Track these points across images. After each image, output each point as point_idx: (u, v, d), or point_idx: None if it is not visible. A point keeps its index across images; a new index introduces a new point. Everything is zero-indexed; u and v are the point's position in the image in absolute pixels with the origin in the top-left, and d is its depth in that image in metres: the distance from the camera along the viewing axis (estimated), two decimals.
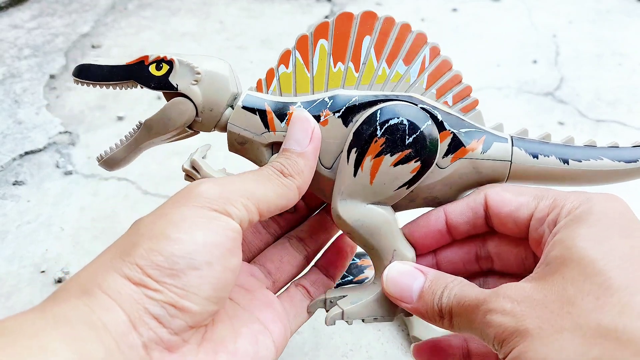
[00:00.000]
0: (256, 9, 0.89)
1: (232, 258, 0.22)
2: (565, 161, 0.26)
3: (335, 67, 0.26)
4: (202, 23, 0.85)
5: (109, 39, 0.81)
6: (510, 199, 0.25)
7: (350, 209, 0.25)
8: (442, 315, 0.24)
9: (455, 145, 0.25)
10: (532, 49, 0.78)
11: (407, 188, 0.25)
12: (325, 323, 0.26)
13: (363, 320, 0.26)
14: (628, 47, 0.78)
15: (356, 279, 0.41)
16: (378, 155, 0.25)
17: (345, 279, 0.41)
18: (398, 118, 0.25)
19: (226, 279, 0.21)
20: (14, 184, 0.55)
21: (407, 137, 0.25)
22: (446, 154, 0.26)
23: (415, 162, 0.25)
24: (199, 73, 0.26)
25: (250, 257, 0.29)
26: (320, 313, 0.29)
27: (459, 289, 0.24)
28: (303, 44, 0.26)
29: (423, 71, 0.26)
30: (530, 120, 0.64)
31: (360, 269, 0.41)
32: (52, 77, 0.72)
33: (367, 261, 0.42)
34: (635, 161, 0.27)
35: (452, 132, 0.25)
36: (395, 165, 0.25)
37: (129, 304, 0.19)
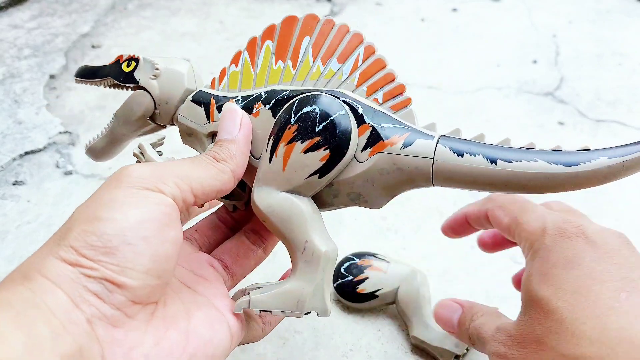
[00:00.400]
0: (256, 9, 0.89)
1: (169, 231, 0.22)
2: (494, 161, 0.24)
3: (275, 65, 0.27)
4: (202, 23, 0.85)
5: (109, 39, 0.81)
6: (500, 218, 0.30)
7: (265, 195, 0.26)
8: (470, 340, 0.29)
9: (374, 139, 0.25)
10: (532, 49, 0.78)
11: (319, 177, 0.25)
12: (234, 310, 0.26)
13: (271, 312, 0.26)
14: (628, 47, 0.78)
15: (356, 278, 0.41)
16: (290, 142, 0.25)
17: (345, 279, 0.41)
18: (312, 106, 0.25)
19: (166, 251, 0.22)
20: (14, 184, 0.55)
21: (317, 124, 0.25)
22: (365, 148, 0.25)
23: (324, 150, 0.25)
24: (157, 69, 0.29)
25: (209, 250, 0.30)
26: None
27: (479, 323, 0.28)
28: (252, 45, 0.28)
29: (355, 69, 0.26)
30: (530, 120, 0.64)
31: (360, 268, 0.41)
32: (52, 77, 0.72)
33: (367, 261, 0.42)
34: (575, 165, 0.23)
35: (371, 125, 0.25)
36: (306, 152, 0.25)
37: (67, 284, 0.19)
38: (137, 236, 0.21)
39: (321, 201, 0.27)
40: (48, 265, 0.20)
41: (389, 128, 0.25)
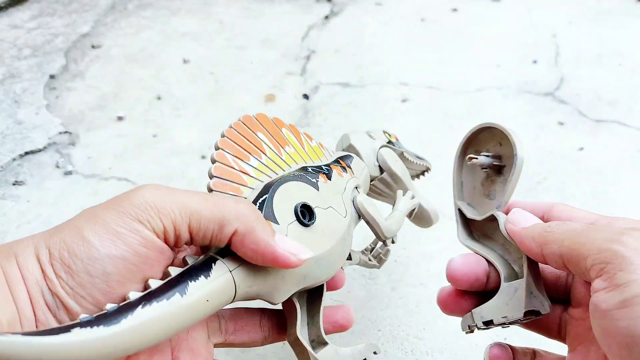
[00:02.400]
0: (256, 9, 0.89)
1: (135, 274, 0.22)
2: None
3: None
4: (202, 23, 0.85)
5: (109, 39, 0.81)
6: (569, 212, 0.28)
7: None
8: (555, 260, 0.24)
9: None
10: (532, 49, 0.78)
11: None
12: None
13: None
14: (628, 47, 0.78)
15: None
16: None
17: None
18: None
19: (123, 293, 0.21)
20: (14, 184, 0.55)
21: None
22: None
23: None
24: None
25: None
26: None
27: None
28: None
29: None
30: (530, 120, 0.64)
31: None
32: (52, 77, 0.72)
33: None
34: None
35: None
36: None
37: (31, 282, 0.20)
38: (100, 269, 0.21)
39: None
40: (26, 253, 0.21)
41: None
